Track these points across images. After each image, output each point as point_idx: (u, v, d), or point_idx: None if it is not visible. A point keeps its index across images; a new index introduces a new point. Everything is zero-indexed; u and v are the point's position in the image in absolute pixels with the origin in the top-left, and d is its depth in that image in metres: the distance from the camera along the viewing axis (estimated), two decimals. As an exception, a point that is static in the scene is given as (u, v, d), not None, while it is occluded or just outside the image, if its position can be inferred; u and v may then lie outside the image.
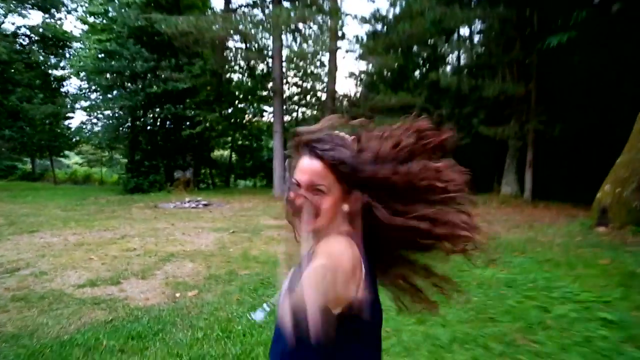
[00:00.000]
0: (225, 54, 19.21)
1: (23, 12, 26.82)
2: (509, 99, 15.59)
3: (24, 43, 25.82)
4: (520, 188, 16.60)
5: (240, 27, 14.98)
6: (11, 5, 25.14)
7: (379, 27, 17.26)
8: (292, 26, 15.55)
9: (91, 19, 18.60)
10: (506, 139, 15.99)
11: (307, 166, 1.20)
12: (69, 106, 24.41)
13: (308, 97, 21.81)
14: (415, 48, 17.53)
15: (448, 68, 19.06)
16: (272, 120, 24.14)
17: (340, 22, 15.11)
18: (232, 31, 15.25)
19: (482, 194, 17.56)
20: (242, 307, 4.79)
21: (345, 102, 17.33)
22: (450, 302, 1.37)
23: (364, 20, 15.15)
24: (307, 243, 1.19)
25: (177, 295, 5.29)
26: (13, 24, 26.80)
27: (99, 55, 17.65)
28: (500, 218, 12.63)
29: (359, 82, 19.33)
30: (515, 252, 7.53)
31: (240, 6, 18.08)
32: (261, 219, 11.18)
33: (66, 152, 41.19)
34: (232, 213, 12.45)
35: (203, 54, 17.72)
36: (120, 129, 19.51)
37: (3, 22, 26.20)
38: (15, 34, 26.16)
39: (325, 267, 0.97)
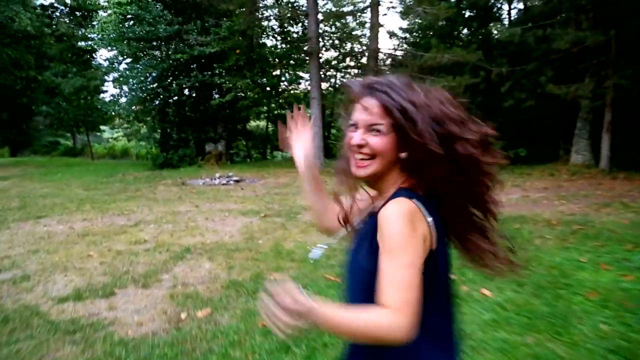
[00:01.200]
0: (256, 14, 17.50)
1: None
2: (582, 51, 13.30)
3: (52, 15, 24.90)
4: (594, 156, 14.42)
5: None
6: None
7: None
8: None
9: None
10: (578, 98, 13.75)
11: (366, 105, 1.14)
12: (99, 79, 23.49)
13: (347, 60, 19.93)
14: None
15: (506, 19, 16.74)
16: (308, 87, 22.51)
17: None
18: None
19: (547, 163, 15.51)
20: (269, 342, 3.34)
21: (389, 62, 15.40)
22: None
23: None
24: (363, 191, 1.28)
25: (183, 316, 3.90)
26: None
27: (121, 21, 16.39)
28: (575, 193, 10.71)
29: (402, 42, 17.29)
30: (627, 245, 5.76)
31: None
32: (298, 198, 9.73)
33: (105, 127, 41.27)
34: (265, 191, 11.05)
35: (232, 15, 16.14)
36: (147, 99, 18.37)
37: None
38: (43, 7, 25.34)
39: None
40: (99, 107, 29.34)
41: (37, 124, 39.46)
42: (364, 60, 19.14)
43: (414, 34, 17.18)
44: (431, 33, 15.86)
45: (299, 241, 6.19)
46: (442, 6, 12.27)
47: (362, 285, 1.14)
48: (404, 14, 14.33)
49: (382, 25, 15.13)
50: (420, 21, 14.91)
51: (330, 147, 20.72)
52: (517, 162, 16.04)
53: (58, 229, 7.31)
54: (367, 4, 15.75)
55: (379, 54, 15.14)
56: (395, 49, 16.12)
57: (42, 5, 25.01)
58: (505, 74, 14.34)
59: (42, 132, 40.40)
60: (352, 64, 19.96)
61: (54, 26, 23.35)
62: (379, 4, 14.42)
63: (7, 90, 32.08)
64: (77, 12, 25.26)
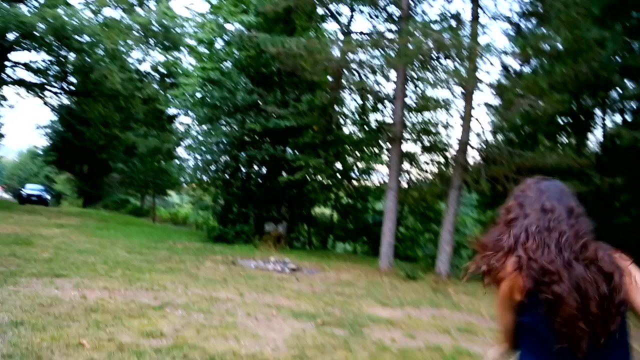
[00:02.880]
0: (339, 92, 16.78)
1: (150, 52, 27.57)
2: None
3: (142, 79, 26.04)
4: None
5: (361, 54, 12.52)
6: (148, 47, 25.78)
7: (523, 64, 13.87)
8: (421, 59, 12.58)
9: (200, 49, 17.50)
10: None
11: None
12: (173, 143, 23.63)
13: (428, 154, 18.44)
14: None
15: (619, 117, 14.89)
16: (382, 180, 21.09)
17: (482, 52, 11.86)
18: (350, 56, 12.70)
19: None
20: None
21: (479, 158, 13.71)
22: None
23: (512, 53, 11.84)
24: None
25: None
26: (140, 62, 27.33)
27: (201, 85, 16.26)
28: None
29: (494, 136, 15.67)
30: None
31: (362, 33, 15.69)
32: (364, 303, 7.82)
33: (173, 192, 41.95)
34: (324, 287, 9.21)
35: (314, 90, 15.47)
36: (215, 168, 17.72)
37: (132, 64, 26.89)
38: (138, 72, 26.65)
39: None
40: (168, 171, 29.71)
41: (112, 181, 40.87)
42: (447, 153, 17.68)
43: (508, 131, 15.59)
44: (531, 130, 14.28)
45: (370, 374, 4.28)
46: (555, 98, 10.63)
47: None
48: (504, 108, 12.84)
49: (474, 118, 13.67)
50: (520, 115, 13.32)
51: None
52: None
53: (67, 296, 5.88)
54: (459, 93, 14.56)
55: (469, 148, 13.57)
56: (486, 144, 14.47)
57: (137, 71, 26.22)
58: (620, 184, 12.14)
59: (114, 188, 41.71)
60: (433, 158, 18.45)
61: (143, 89, 24.14)
62: (474, 91, 13.09)
63: (92, 145, 33.62)
64: (166, 78, 26.24)
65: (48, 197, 30.28)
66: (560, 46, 11.96)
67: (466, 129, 13.65)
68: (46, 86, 26.72)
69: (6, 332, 4.27)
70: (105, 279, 7.26)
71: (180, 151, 26.43)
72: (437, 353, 5.38)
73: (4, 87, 26.18)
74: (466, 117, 13.66)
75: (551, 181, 1.66)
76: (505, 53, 12.61)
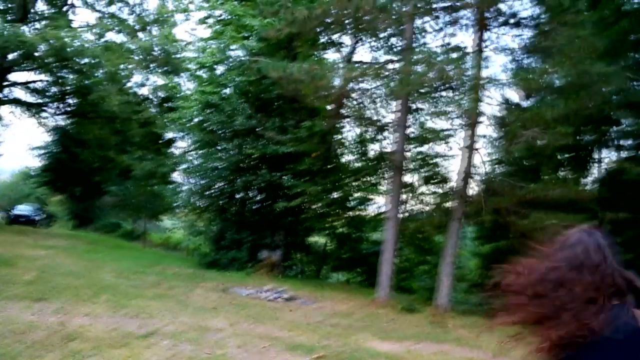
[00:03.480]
0: (338, 122, 16.63)
1: (150, 76, 27.60)
2: None
3: (141, 102, 25.97)
4: None
5: (363, 83, 12.42)
6: (149, 71, 25.80)
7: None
8: (424, 89, 12.52)
9: (200, 72, 17.44)
10: None
11: None
12: (169, 167, 23.36)
13: (428, 187, 18.20)
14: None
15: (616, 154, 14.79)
16: (379, 210, 20.75)
17: (485, 84, 11.78)
18: (352, 83, 12.60)
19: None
20: None
21: (481, 190, 13.43)
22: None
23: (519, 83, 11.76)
24: None
25: None
26: (140, 86, 27.34)
27: (200, 109, 16.12)
28: None
29: (496, 168, 15.46)
30: None
31: (363, 63, 15.68)
32: (362, 335, 7.38)
33: (166, 217, 41.31)
34: (320, 318, 8.76)
35: (314, 117, 15.32)
36: (210, 194, 17.40)
37: (131, 87, 26.89)
38: (135, 94, 26.60)
39: None
40: (162, 195, 29.28)
41: (105, 203, 40.26)
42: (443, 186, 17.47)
43: (510, 164, 15.40)
44: (533, 163, 14.09)
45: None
46: (559, 131, 10.44)
47: None
48: (506, 140, 12.68)
49: (476, 149, 13.48)
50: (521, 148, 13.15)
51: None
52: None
53: (46, 322, 5.46)
54: (461, 125, 14.41)
55: (471, 179, 13.32)
56: (488, 176, 14.21)
57: (135, 94, 26.18)
58: (621, 219, 11.79)
59: (107, 211, 41.05)
60: (433, 189, 18.20)
61: (140, 112, 24.02)
62: (478, 121, 12.92)
63: (86, 167, 33.29)
64: (165, 104, 26.18)
65: (38, 218, 29.73)
66: (563, 80, 11.91)
67: (468, 160, 13.43)
68: (43, 107, 26.58)
69: (-28, 361, 3.87)
70: (90, 305, 6.84)
71: (176, 175, 26.13)
72: (443, 394, 4.98)
73: (2, 106, 25.98)
74: (468, 149, 13.46)
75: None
76: (509, 85, 12.52)
